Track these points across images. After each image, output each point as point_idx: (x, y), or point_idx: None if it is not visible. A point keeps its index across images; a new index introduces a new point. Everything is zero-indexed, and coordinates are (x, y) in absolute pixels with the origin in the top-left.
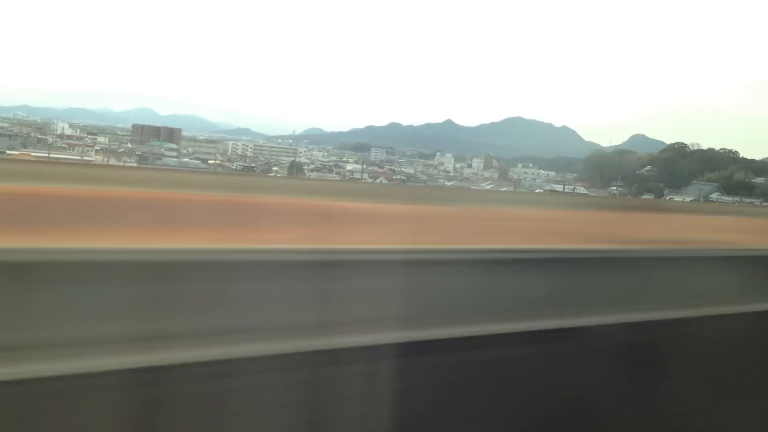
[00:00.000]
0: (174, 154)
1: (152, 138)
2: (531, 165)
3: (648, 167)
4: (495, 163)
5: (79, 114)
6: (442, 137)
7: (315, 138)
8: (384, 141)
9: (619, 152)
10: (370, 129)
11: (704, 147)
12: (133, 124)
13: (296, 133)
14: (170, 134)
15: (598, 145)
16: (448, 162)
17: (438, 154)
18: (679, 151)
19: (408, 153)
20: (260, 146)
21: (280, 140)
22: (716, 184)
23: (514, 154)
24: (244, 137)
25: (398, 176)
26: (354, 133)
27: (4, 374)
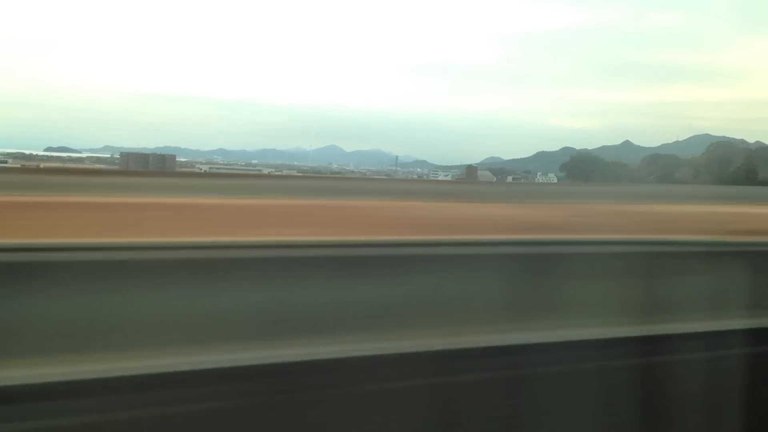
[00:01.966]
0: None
1: (139, 166)
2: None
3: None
4: (487, 175)
5: (271, 154)
6: (618, 159)
7: (489, 165)
8: (555, 166)
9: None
10: (540, 155)
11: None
12: (121, 152)
13: (476, 162)
14: (162, 161)
15: None
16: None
17: (539, 173)
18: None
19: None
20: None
21: (452, 170)
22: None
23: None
24: (418, 168)
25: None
26: (527, 159)
27: None
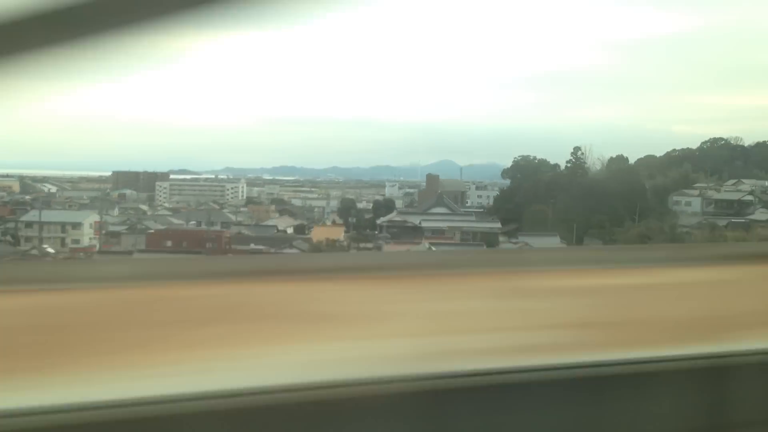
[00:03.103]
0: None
1: (128, 185)
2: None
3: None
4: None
5: (385, 171)
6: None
7: None
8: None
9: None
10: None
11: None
12: (113, 171)
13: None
14: (152, 179)
15: None
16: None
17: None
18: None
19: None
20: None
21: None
22: None
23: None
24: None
25: None
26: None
27: None
